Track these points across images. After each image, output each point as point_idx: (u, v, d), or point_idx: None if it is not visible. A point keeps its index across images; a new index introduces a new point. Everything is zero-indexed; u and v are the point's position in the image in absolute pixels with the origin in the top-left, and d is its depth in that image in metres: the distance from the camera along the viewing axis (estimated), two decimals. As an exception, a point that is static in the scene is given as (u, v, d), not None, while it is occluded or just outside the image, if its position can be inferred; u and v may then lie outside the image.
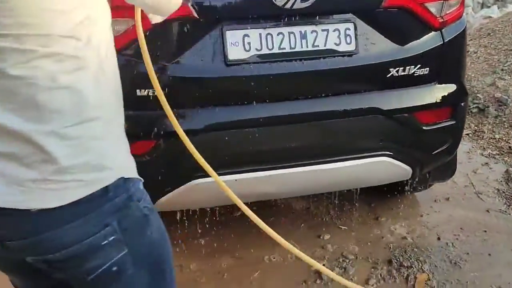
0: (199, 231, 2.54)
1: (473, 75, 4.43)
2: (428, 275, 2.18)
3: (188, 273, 2.26)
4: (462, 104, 2.21)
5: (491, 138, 3.56)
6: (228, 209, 2.67)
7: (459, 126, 2.24)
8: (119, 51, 1.73)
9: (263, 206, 2.70)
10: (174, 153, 1.87)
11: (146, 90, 1.80)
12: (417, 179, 2.45)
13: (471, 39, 5.23)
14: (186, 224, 2.55)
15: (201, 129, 1.86)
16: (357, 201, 2.79)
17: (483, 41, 5.18)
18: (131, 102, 1.79)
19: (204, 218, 2.61)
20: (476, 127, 3.74)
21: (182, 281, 2.20)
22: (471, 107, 3.91)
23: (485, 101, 3.95)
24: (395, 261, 2.28)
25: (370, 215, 2.68)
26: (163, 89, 1.80)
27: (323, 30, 1.89)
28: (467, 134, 3.63)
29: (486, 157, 3.31)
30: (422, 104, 2.08)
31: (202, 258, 2.35)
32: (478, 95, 4.03)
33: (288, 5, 1.79)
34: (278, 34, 1.85)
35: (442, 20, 1.99)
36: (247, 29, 1.83)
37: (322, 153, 2.02)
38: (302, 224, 2.60)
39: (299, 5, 1.79)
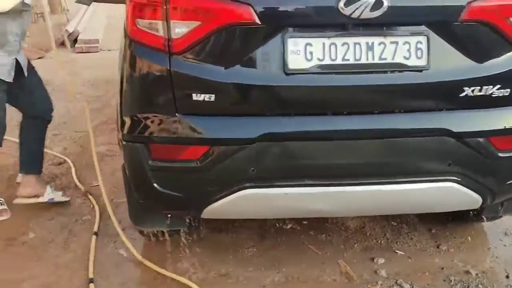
0: (248, 240, 2.48)
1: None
2: (492, 316, 1.98)
3: (233, 283, 2.20)
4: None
5: None
6: (278, 221, 2.59)
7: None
8: (179, 53, 1.76)
9: (315, 221, 2.60)
10: (227, 160, 1.83)
11: (203, 95, 1.77)
12: (486, 209, 2.25)
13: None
14: (235, 232, 2.52)
15: (256, 138, 1.79)
16: (417, 225, 2.61)
17: None
18: (187, 106, 1.81)
19: (254, 228, 2.55)
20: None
21: (226, 292, 2.15)
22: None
23: None
24: (456, 296, 2.09)
25: (430, 242, 2.48)
26: (220, 94, 1.78)
27: (392, 42, 1.76)
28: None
29: None
30: (499, 128, 1.88)
31: (248, 270, 2.28)
32: None
33: (355, 15, 1.68)
34: (342, 45, 1.75)
35: (529, 37, 1.80)
36: (310, 37, 1.74)
37: (382, 173, 1.89)
38: (356, 244, 2.47)
39: (367, 14, 1.68)
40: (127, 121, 1.89)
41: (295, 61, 1.74)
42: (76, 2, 2.65)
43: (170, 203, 1.98)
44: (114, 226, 2.61)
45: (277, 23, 1.72)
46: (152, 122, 1.84)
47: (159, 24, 1.74)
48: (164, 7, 1.71)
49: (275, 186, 1.88)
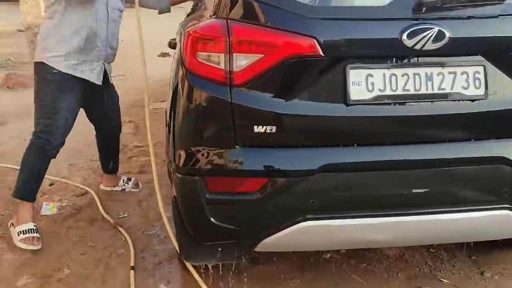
0: (289, 272, 2.43)
1: None
2: None
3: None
4: None
5: None
6: (316, 251, 2.56)
7: None
8: (240, 86, 1.75)
9: (353, 250, 2.57)
10: (287, 192, 1.81)
11: (264, 127, 1.76)
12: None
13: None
14: (275, 263, 2.47)
15: (316, 169, 1.78)
16: (455, 251, 2.60)
17: None
18: (247, 138, 1.79)
19: (292, 258, 2.51)
20: None
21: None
22: None
23: None
24: (510, 325, 2.07)
25: (473, 269, 2.47)
26: (281, 126, 1.77)
27: (450, 73, 1.78)
28: None
29: None
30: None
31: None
32: None
33: (418, 46, 1.70)
34: (403, 75, 1.77)
35: None
36: (371, 68, 1.76)
37: (440, 202, 1.88)
38: (399, 273, 2.44)
39: (429, 46, 1.70)
40: (183, 153, 1.86)
41: (357, 92, 1.75)
42: (159, 14, 2.95)
43: (226, 237, 1.94)
44: (150, 260, 2.55)
45: (339, 55, 1.74)
46: (210, 154, 1.82)
47: (221, 57, 1.74)
48: (227, 40, 1.71)
49: (335, 217, 1.86)
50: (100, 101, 2.93)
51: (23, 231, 2.59)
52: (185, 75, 1.83)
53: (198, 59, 1.77)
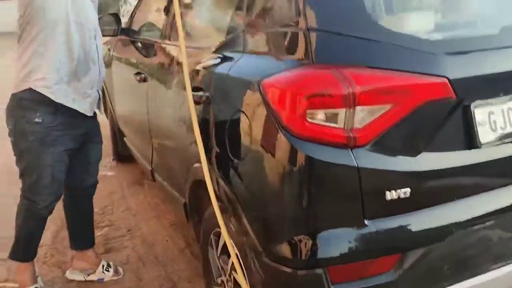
0: None
1: None
2: None
3: None
4: None
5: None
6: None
7: None
8: (365, 145, 1.40)
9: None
10: (422, 264, 1.50)
11: (398, 191, 1.42)
12: None
13: None
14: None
15: (452, 229, 1.50)
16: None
17: None
18: (377, 208, 1.44)
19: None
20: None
21: None
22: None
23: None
24: None
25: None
26: (415, 187, 1.46)
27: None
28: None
29: None
30: None
31: None
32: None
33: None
34: (518, 108, 1.60)
35: None
36: (492, 105, 1.55)
37: None
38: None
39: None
40: (294, 242, 1.43)
41: (484, 133, 1.53)
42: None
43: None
44: None
45: (468, 94, 1.49)
46: (333, 237, 1.42)
47: (339, 114, 1.36)
48: (346, 92, 1.34)
49: (468, 277, 1.60)
50: (82, 145, 2.37)
51: None
52: (285, 138, 1.40)
53: (308, 119, 1.37)
